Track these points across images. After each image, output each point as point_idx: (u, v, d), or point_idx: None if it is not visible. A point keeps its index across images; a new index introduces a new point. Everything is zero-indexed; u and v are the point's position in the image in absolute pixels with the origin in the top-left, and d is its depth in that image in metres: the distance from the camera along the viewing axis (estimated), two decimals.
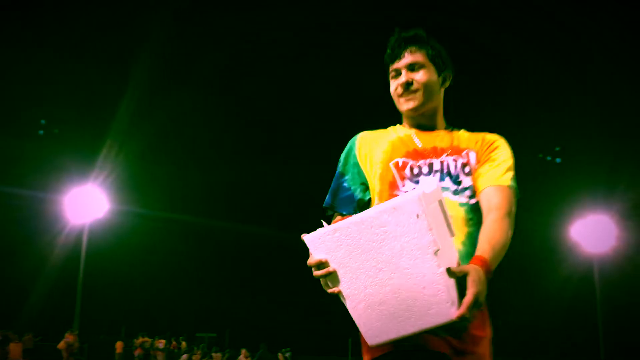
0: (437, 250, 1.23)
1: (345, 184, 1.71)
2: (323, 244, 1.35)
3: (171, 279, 27.32)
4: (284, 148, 30.00)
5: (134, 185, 25.45)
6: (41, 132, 24.37)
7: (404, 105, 1.67)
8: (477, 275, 1.26)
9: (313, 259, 1.38)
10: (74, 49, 24.96)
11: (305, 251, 1.39)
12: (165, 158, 27.26)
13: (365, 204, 1.67)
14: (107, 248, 23.68)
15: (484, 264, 1.33)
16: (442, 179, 1.60)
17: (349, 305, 1.37)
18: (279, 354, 18.22)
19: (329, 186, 1.73)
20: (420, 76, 1.65)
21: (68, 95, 24.90)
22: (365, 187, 1.69)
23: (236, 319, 27.19)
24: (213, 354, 17.54)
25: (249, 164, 28.99)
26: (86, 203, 20.80)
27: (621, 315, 22.86)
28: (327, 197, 1.73)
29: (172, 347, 19.16)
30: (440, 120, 1.73)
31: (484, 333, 1.51)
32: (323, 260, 1.36)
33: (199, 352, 17.31)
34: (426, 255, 1.24)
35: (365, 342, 1.48)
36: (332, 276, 1.37)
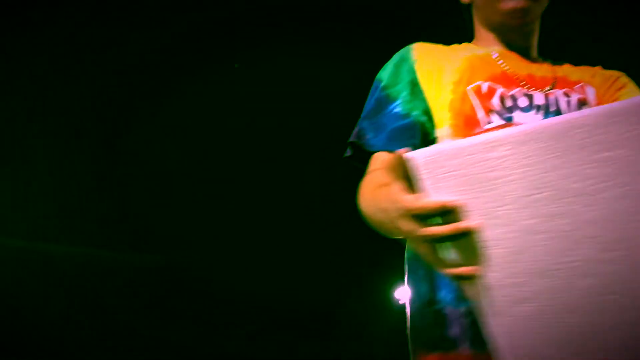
0: None
1: (397, 110, 1.01)
2: (452, 172, 0.61)
3: (10, 319, 22.87)
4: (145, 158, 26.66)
5: None
6: None
7: (508, 1, 1.05)
8: None
9: (428, 200, 0.64)
10: None
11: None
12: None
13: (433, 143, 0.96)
14: None
15: None
16: None
17: (500, 305, 0.63)
18: None
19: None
20: None
21: None
22: (430, 118, 1.01)
23: None
24: None
25: (92, 171, 25.21)
26: None
27: None
28: (360, 131, 1.02)
29: None
30: (535, 45, 1.14)
31: None
32: (450, 205, 0.62)
33: None
34: None
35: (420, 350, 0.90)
36: (466, 241, 0.62)
